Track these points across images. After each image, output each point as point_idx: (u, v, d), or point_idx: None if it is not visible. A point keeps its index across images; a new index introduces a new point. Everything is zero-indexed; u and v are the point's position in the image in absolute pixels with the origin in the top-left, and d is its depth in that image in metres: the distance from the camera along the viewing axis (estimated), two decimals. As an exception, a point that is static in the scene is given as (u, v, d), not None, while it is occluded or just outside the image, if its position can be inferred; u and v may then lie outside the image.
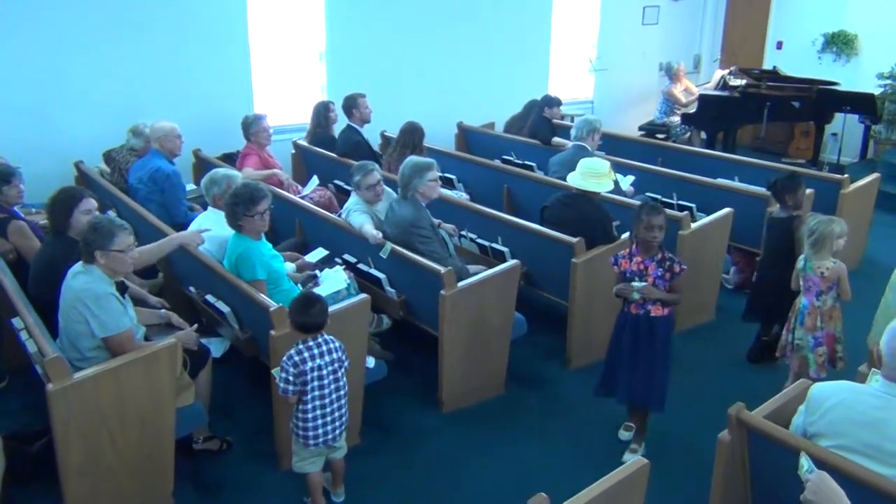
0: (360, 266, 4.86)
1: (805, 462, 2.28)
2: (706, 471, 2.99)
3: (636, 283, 3.79)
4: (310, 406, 3.33)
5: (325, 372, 3.32)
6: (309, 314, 3.30)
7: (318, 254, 4.89)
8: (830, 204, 6.17)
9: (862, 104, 9.05)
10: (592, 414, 4.40)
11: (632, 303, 3.86)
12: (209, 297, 4.37)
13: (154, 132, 5.89)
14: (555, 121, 7.80)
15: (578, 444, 4.15)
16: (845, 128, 9.29)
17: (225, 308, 4.21)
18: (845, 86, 9.32)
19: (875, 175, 6.56)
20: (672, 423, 4.27)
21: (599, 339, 4.89)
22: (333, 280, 4.44)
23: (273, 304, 3.71)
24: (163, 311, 4.17)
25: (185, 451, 3.86)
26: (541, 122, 7.67)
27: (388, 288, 4.65)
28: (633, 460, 2.59)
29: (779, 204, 5.00)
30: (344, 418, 3.46)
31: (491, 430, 4.29)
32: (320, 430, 3.37)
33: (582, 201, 4.89)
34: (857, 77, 9.75)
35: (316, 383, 3.32)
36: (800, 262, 4.38)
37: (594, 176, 4.83)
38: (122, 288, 3.65)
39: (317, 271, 4.69)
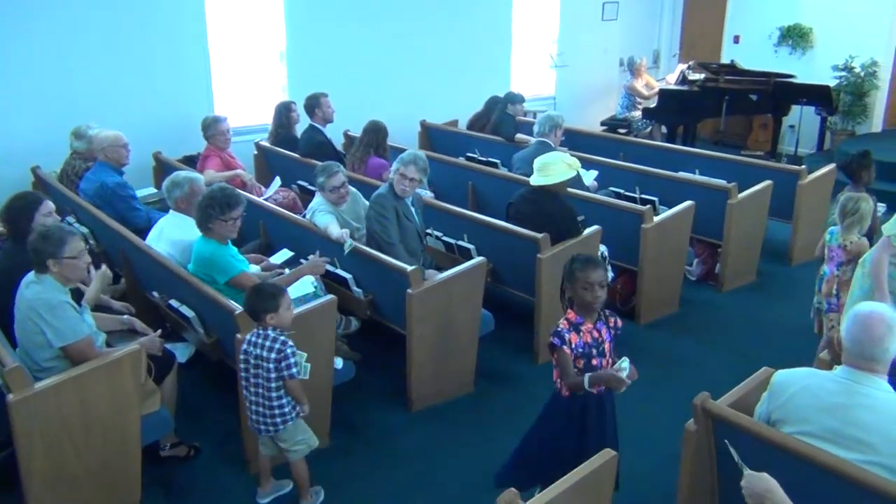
0: (327, 267, 4.82)
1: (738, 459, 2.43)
2: (673, 460, 3.03)
3: (623, 366, 3.01)
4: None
5: (250, 365, 3.39)
6: (247, 300, 3.42)
7: (283, 255, 4.85)
8: (789, 194, 6.29)
9: (818, 96, 9.23)
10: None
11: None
12: (173, 302, 4.31)
13: (98, 142, 5.66)
14: (518, 117, 7.83)
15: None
16: (802, 120, 9.47)
17: (189, 312, 4.16)
18: (801, 78, 9.51)
19: (832, 165, 6.69)
20: (639, 414, 4.31)
21: (566, 334, 4.92)
22: (301, 283, 4.41)
23: (238, 308, 3.67)
24: (126, 316, 4.10)
25: (152, 459, 3.81)
26: (504, 118, 7.70)
27: (354, 288, 4.64)
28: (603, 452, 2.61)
29: (850, 181, 5.18)
30: (261, 418, 3.44)
31: (460, 428, 4.29)
32: (248, 413, 3.48)
33: (546, 197, 4.91)
34: (813, 69, 9.94)
35: (242, 365, 3.42)
36: (826, 234, 4.61)
37: (547, 168, 4.84)
38: (77, 295, 3.58)
39: (286, 270, 4.65)
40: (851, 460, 2.46)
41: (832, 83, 9.61)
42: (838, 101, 9.64)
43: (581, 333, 3.08)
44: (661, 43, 11.68)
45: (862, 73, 9.74)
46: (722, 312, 5.78)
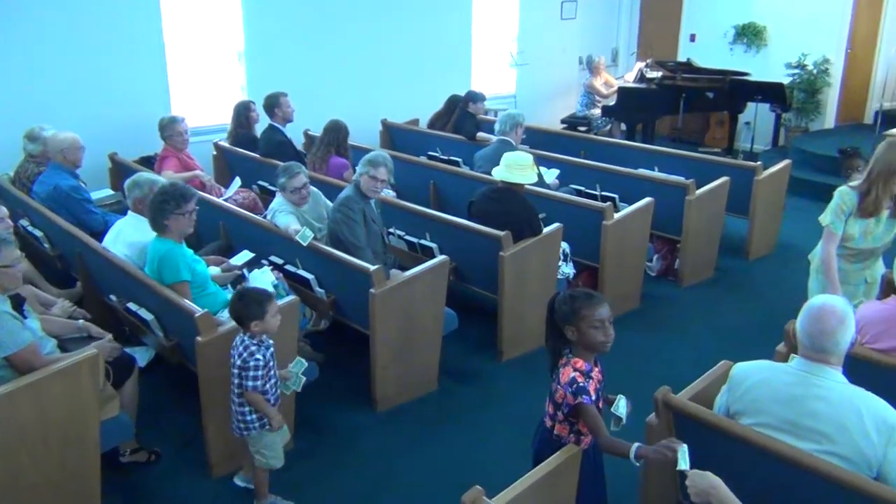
0: (288, 267, 4.79)
1: (682, 459, 2.45)
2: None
3: (622, 405, 2.84)
4: None
5: (232, 365, 3.39)
6: (232, 306, 3.38)
7: (244, 256, 4.81)
8: (746, 190, 6.40)
9: (772, 93, 9.41)
10: (525, 405, 4.45)
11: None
12: (131, 305, 4.24)
13: (56, 144, 5.53)
14: (479, 116, 7.85)
15: (512, 435, 4.19)
16: (757, 116, 9.64)
17: (148, 315, 4.10)
18: (756, 76, 9.68)
19: (786, 161, 6.82)
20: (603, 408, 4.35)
21: (529, 332, 4.97)
22: (261, 280, 4.38)
23: (199, 310, 3.63)
24: (80, 322, 4.01)
25: (112, 465, 3.75)
26: (465, 117, 7.71)
27: (317, 288, 4.61)
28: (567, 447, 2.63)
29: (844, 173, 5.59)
30: (235, 419, 3.43)
31: (425, 427, 4.29)
32: None
33: (508, 195, 4.94)
34: (767, 67, 10.13)
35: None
36: None
37: (518, 168, 4.89)
38: (17, 301, 3.49)
39: (245, 271, 4.61)
40: (808, 450, 2.51)
41: (786, 80, 9.80)
42: (792, 98, 9.85)
43: (592, 381, 2.75)
44: (619, 41, 11.80)
45: (814, 71, 9.95)
46: (682, 307, 5.87)
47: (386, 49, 8.84)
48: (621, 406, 2.77)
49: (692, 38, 11.17)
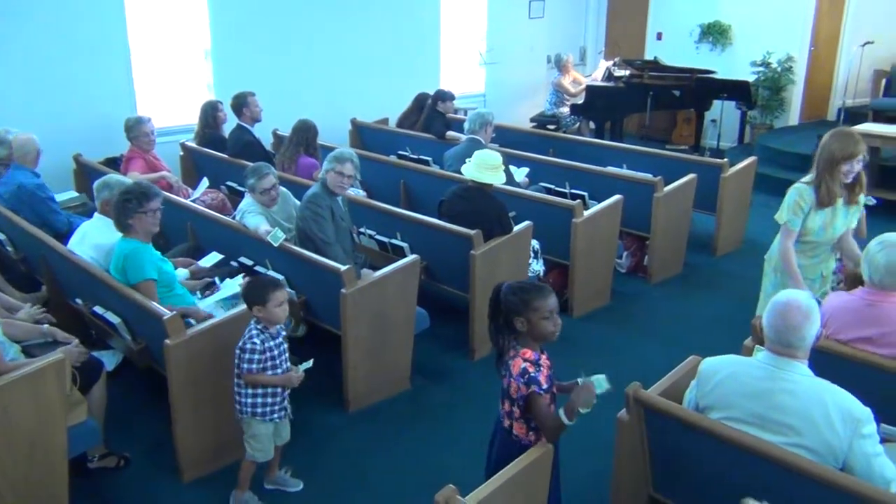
0: (258, 268, 4.76)
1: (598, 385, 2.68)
2: (608, 449, 3.09)
3: (598, 379, 2.74)
4: None
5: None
6: (243, 289, 3.50)
7: (213, 258, 4.76)
8: (713, 187, 6.48)
9: (737, 91, 9.53)
10: (496, 402, 4.46)
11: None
12: (97, 309, 4.18)
13: (20, 144, 5.45)
14: (448, 115, 7.85)
15: (485, 433, 4.16)
16: (723, 114, 9.76)
17: (115, 319, 4.04)
18: (721, 74, 9.80)
19: (752, 158, 6.91)
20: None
21: (501, 329, 4.97)
22: (233, 288, 4.34)
23: (167, 313, 3.59)
24: (45, 326, 3.94)
25: (80, 471, 3.69)
26: (434, 116, 7.71)
27: (287, 289, 4.57)
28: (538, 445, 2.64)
29: None
30: (234, 400, 3.47)
31: (398, 426, 4.29)
32: None
33: (478, 194, 4.95)
34: (732, 65, 10.26)
35: None
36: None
37: (489, 168, 4.90)
38: None
39: (216, 279, 4.56)
40: (775, 443, 2.55)
41: (751, 78, 9.94)
42: (757, 95, 9.98)
43: (543, 368, 2.78)
44: (587, 40, 11.88)
45: (778, 69, 10.10)
46: (651, 303, 5.92)
47: (355, 48, 8.81)
48: (602, 383, 2.70)
49: (659, 36, 11.28)
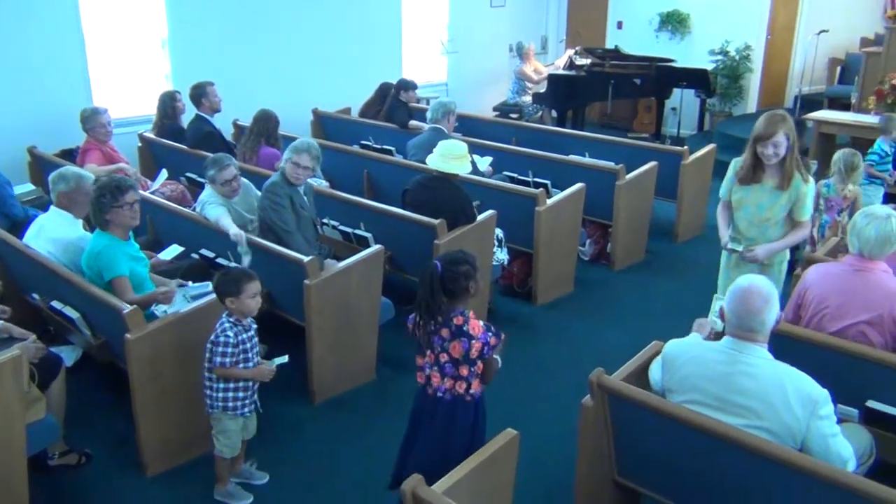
0: (220, 260, 4.70)
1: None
2: (572, 435, 3.12)
3: None
4: None
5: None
6: (214, 281, 3.44)
7: (173, 251, 4.69)
8: (673, 175, 6.55)
9: (696, 79, 9.64)
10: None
11: None
12: (55, 304, 4.10)
13: None
14: (411, 104, 7.82)
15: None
16: (683, 102, 9.86)
17: (74, 314, 3.97)
18: (681, 62, 9.90)
19: (711, 146, 7.00)
20: (538, 392, 4.42)
21: (466, 318, 4.99)
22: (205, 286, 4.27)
23: (126, 306, 3.53)
24: (0, 322, 3.85)
25: (41, 469, 3.63)
26: (397, 105, 7.67)
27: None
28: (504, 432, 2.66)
29: None
30: (204, 394, 3.45)
31: (364, 417, 4.28)
32: None
33: (442, 183, 4.94)
34: (691, 54, 10.37)
35: None
36: (823, 188, 5.38)
37: (454, 157, 4.89)
38: None
39: (189, 283, 4.48)
40: (736, 425, 2.60)
41: (709, 67, 10.06)
42: (715, 83, 10.11)
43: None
44: (548, 29, 11.91)
45: (736, 57, 10.23)
46: (615, 290, 5.98)
47: (316, 36, 8.72)
48: None
49: (619, 25, 11.35)
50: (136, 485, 3.70)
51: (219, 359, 3.31)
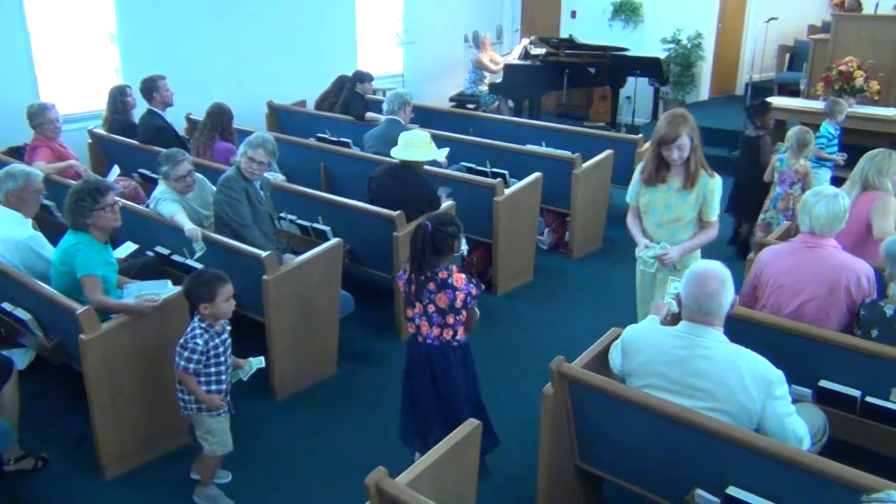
0: (175, 257, 4.63)
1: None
2: (534, 422, 3.14)
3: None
4: None
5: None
6: (185, 286, 3.33)
7: (127, 248, 4.60)
8: (629, 162, 6.61)
9: (650, 68, 9.74)
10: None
11: None
12: (5, 305, 4.00)
13: None
14: (367, 96, 7.78)
15: (414, 413, 4.22)
16: (637, 91, 9.96)
17: (25, 315, 3.88)
18: (634, 51, 9.99)
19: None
20: (500, 381, 4.44)
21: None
22: (157, 287, 4.19)
23: (79, 307, 3.46)
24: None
25: (-4, 475, 3.55)
26: (353, 97, 7.62)
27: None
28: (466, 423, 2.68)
29: (751, 125, 6.18)
30: (177, 397, 3.39)
31: (326, 411, 4.26)
32: None
33: (406, 172, 4.96)
34: (644, 42, 10.48)
35: None
36: (776, 161, 5.76)
37: (413, 145, 4.92)
38: None
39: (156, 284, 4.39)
40: (694, 408, 2.65)
41: (662, 55, 10.17)
42: (668, 72, 10.23)
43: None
44: (503, 19, 11.92)
45: (688, 45, 10.37)
46: (574, 278, 6.03)
47: (270, 28, 8.61)
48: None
49: (573, 14, 11.41)
50: (96, 488, 3.63)
51: (182, 363, 3.24)
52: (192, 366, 3.23)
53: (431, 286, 3.26)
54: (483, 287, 3.32)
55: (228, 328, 3.40)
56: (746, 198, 6.20)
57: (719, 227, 4.01)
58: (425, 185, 4.97)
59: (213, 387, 3.33)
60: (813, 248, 3.50)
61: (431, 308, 3.29)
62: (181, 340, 3.27)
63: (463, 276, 3.31)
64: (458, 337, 3.34)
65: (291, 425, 4.14)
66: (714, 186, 3.82)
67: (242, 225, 4.56)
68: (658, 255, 3.88)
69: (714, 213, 3.88)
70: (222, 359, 3.33)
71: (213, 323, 3.29)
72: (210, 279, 3.27)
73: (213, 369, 3.30)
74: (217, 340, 3.30)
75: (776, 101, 8.18)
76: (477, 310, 3.38)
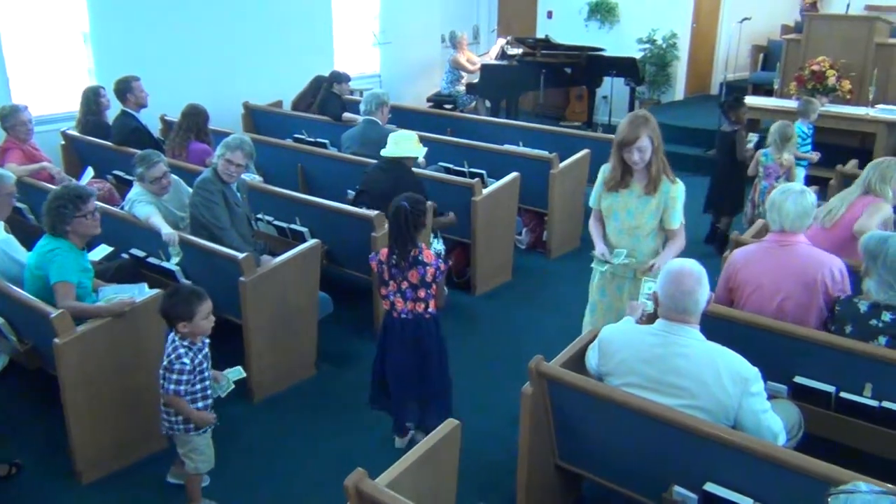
0: (151, 260, 4.59)
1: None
2: (514, 422, 3.15)
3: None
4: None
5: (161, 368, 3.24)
6: (161, 303, 3.22)
7: (102, 251, 4.55)
8: (606, 161, 6.63)
9: (626, 68, 9.81)
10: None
11: None
12: (-23, 310, 3.94)
13: None
14: (344, 96, 7.75)
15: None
16: (613, 91, 10.02)
17: (-3, 319, 3.82)
18: (610, 51, 10.05)
19: (641, 132, 7.11)
20: (479, 381, 4.45)
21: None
22: (130, 291, 4.15)
23: (53, 310, 3.42)
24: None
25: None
26: (330, 98, 7.60)
27: (183, 280, 4.44)
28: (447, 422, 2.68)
29: (726, 120, 6.23)
30: (161, 417, 3.31)
31: (305, 413, 4.24)
32: None
33: (398, 167, 5.01)
34: (620, 43, 10.54)
35: None
36: (761, 157, 5.93)
37: (404, 141, 5.00)
38: None
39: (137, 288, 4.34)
40: (672, 405, 2.66)
41: (638, 55, 10.24)
42: (644, 72, 10.30)
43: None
44: (479, 19, 11.94)
45: (663, 45, 10.45)
46: (552, 277, 6.05)
47: (245, 28, 8.55)
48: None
49: (549, 14, 11.45)
50: (72, 493, 3.59)
51: (172, 386, 3.13)
52: (182, 388, 3.14)
53: (403, 264, 3.56)
54: (449, 263, 3.55)
55: (207, 342, 3.32)
56: (724, 192, 6.27)
57: (685, 233, 3.85)
58: (415, 181, 5.01)
59: (201, 403, 3.26)
60: (785, 245, 3.53)
61: (405, 284, 3.59)
62: (164, 363, 3.17)
63: (432, 251, 3.66)
64: (429, 309, 3.66)
65: (270, 427, 4.11)
66: (676, 193, 3.70)
67: (220, 228, 4.52)
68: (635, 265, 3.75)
69: (676, 221, 3.74)
70: (206, 374, 3.27)
71: (195, 340, 3.20)
72: (188, 297, 3.16)
73: (198, 386, 3.23)
74: (200, 356, 3.22)
75: (750, 100, 8.27)
76: (445, 288, 3.73)
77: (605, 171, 3.92)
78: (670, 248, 3.76)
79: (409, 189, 4.93)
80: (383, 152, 5.05)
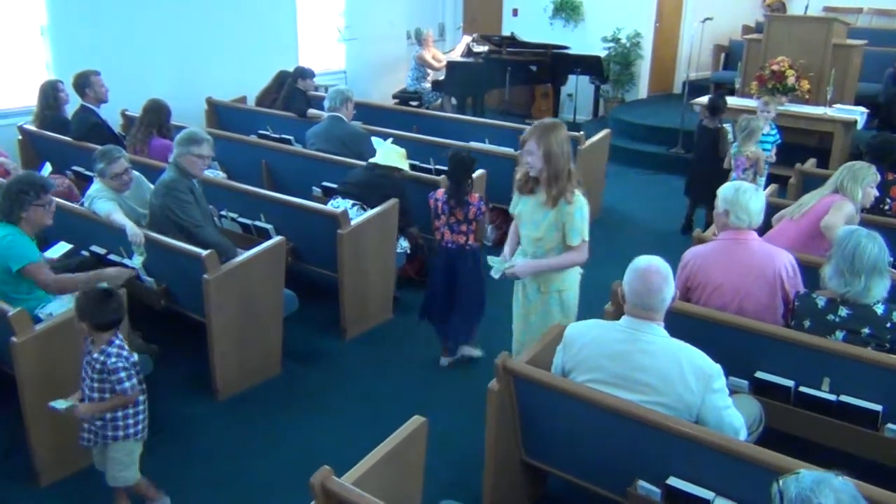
0: (111, 257, 4.52)
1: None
2: (480, 418, 3.16)
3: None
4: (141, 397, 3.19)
5: (93, 371, 3.11)
6: (85, 309, 3.04)
7: (61, 248, 4.47)
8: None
9: (590, 66, 9.88)
10: (371, 382, 4.48)
11: None
12: (-69, 309, 3.84)
13: None
14: (309, 92, 7.69)
15: (359, 412, 4.20)
16: (578, 89, 10.08)
17: (-48, 319, 3.73)
18: (575, 49, 10.11)
19: (606, 131, 7.18)
20: (445, 377, 4.46)
21: (373, 307, 4.99)
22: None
23: (10, 309, 3.34)
24: None
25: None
26: (295, 94, 7.53)
27: (145, 278, 4.38)
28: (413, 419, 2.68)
29: (711, 116, 6.60)
30: (101, 428, 3.19)
31: (270, 412, 4.21)
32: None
33: (389, 172, 5.07)
34: (585, 41, 10.61)
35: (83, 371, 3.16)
36: (732, 148, 6.19)
37: (398, 154, 5.07)
38: None
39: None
40: (636, 401, 2.69)
41: (602, 54, 10.32)
42: (608, 70, 10.38)
43: None
44: (445, 16, 11.93)
45: (627, 44, 10.54)
46: (517, 274, 6.05)
47: (208, 22, 8.44)
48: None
49: (514, 12, 11.48)
50: (30, 496, 3.52)
51: (128, 384, 3.06)
52: (135, 380, 3.10)
53: (452, 202, 4.26)
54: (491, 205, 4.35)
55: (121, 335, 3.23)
56: (706, 184, 6.21)
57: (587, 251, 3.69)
58: (398, 182, 5.09)
59: (142, 407, 3.23)
60: (742, 242, 3.57)
61: (452, 220, 4.30)
62: (110, 367, 3.03)
63: (477, 194, 4.36)
64: (469, 242, 4.35)
65: (235, 426, 4.08)
66: (573, 210, 3.56)
67: (197, 226, 4.44)
68: (505, 269, 3.72)
69: (576, 238, 3.58)
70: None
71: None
72: (118, 306, 3.08)
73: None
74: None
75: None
76: (488, 227, 4.59)
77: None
78: (557, 258, 3.67)
79: (391, 186, 5.05)
80: (372, 159, 5.10)
